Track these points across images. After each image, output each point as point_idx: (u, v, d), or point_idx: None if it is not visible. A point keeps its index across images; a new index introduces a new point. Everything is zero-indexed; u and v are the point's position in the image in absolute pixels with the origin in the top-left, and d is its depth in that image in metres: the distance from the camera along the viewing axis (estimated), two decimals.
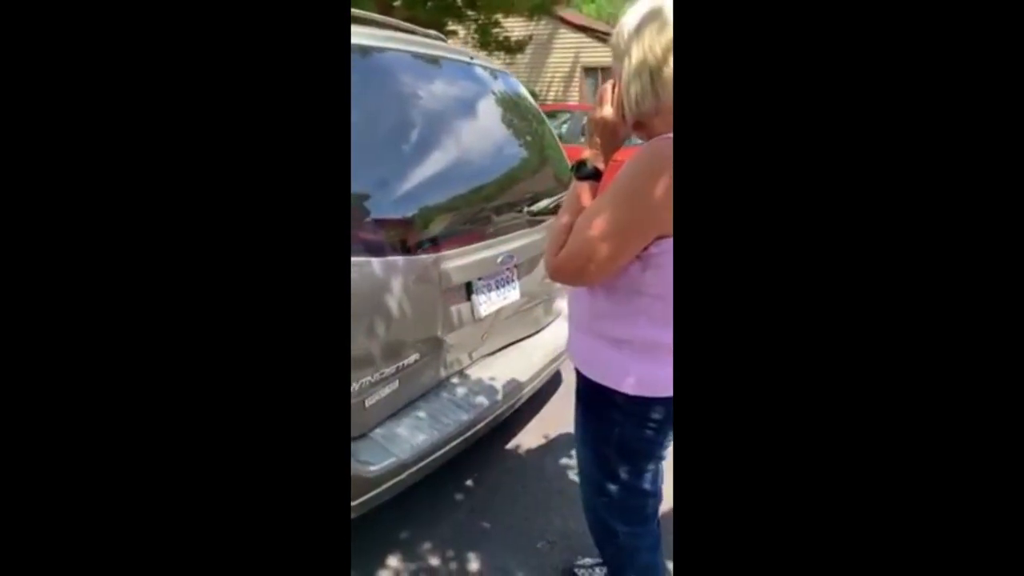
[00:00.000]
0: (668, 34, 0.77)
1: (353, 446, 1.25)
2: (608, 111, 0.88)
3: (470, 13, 8.19)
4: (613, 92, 0.88)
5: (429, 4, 7.49)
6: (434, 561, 1.48)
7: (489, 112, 1.87)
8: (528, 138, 1.99)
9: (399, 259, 1.31)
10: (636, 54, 0.80)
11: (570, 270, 0.85)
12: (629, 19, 0.82)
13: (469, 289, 1.56)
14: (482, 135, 1.79)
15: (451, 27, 8.11)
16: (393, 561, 1.47)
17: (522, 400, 1.76)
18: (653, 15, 0.79)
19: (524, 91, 2.11)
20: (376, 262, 1.25)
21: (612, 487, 1.03)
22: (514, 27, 9.23)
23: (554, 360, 1.90)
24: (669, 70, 0.78)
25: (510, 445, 1.99)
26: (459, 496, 1.73)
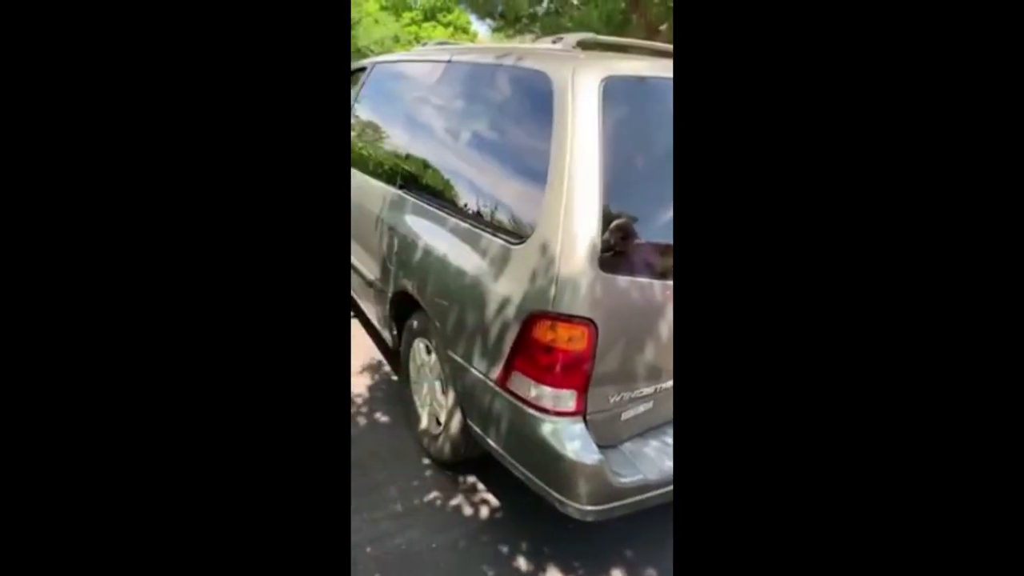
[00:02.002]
0: None
1: (605, 454, 1.31)
2: None
3: None
4: None
5: None
6: None
7: None
8: None
9: (671, 283, 1.33)
10: None
11: None
12: None
13: None
14: None
15: None
16: (617, 574, 1.50)
17: None
18: None
19: None
20: (656, 284, 1.30)
21: None
22: None
23: None
24: None
25: None
26: None
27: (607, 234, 1.24)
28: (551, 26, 5.81)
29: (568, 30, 5.34)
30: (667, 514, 1.62)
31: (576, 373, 1.25)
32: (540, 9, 6.49)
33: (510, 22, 6.58)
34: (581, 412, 1.29)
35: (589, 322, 1.22)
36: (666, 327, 1.32)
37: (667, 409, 1.48)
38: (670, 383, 1.42)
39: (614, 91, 1.32)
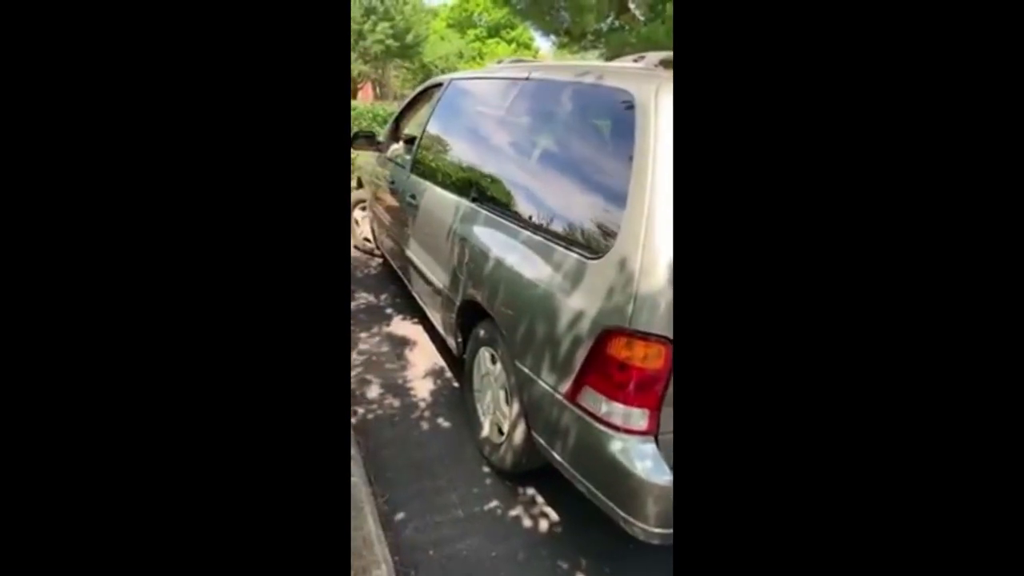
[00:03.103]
0: None
1: None
2: None
3: None
4: None
5: None
6: None
7: None
8: None
9: None
10: None
11: None
12: None
13: None
14: None
15: None
16: None
17: None
18: None
19: None
20: None
21: None
22: None
23: None
24: None
25: None
26: None
27: None
28: (617, 42, 5.81)
29: (634, 46, 5.31)
30: None
31: (650, 392, 1.24)
32: (605, 25, 6.50)
33: (575, 39, 6.63)
34: (653, 432, 1.27)
35: (667, 341, 1.21)
36: None
37: None
38: None
39: None
